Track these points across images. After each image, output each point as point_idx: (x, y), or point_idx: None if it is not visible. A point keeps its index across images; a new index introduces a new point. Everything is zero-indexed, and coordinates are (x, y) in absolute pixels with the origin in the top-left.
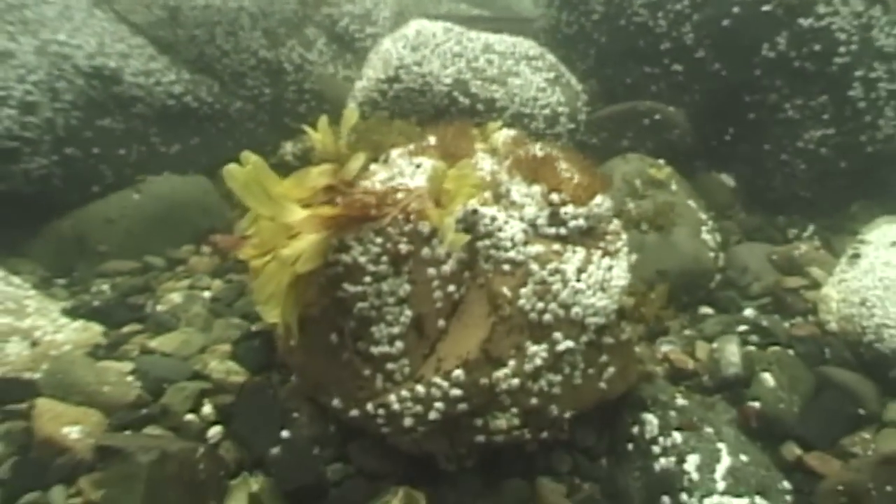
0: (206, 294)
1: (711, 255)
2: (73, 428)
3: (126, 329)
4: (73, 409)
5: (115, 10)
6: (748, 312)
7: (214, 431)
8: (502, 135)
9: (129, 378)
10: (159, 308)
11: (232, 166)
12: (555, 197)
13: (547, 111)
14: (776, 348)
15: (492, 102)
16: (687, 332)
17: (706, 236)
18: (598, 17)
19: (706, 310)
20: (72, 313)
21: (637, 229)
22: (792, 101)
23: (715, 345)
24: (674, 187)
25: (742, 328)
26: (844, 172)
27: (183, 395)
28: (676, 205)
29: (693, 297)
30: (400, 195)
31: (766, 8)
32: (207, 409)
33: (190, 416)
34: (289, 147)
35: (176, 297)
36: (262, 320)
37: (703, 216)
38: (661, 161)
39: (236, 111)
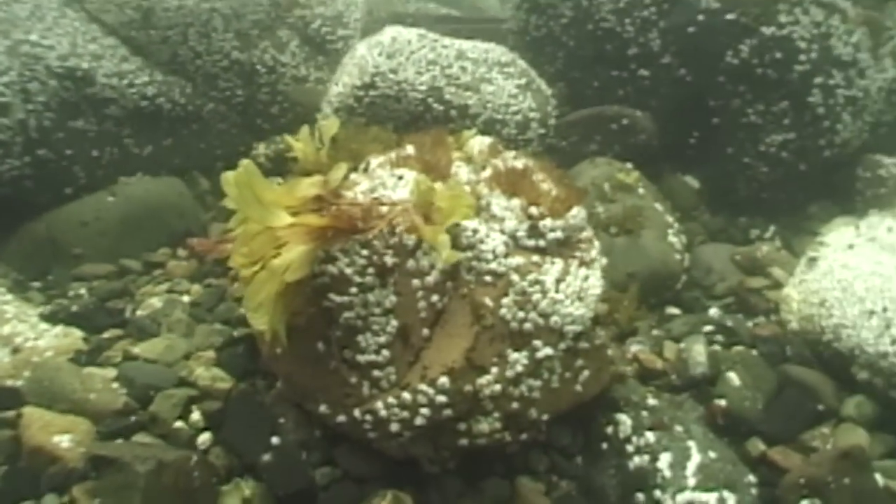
0: (186, 299)
1: (678, 257)
2: (63, 437)
3: (107, 335)
4: (61, 417)
5: (87, 9)
6: (713, 312)
7: (204, 438)
8: (477, 142)
9: (115, 385)
10: (139, 313)
11: (229, 173)
12: (534, 210)
13: (518, 117)
14: (740, 348)
15: (465, 109)
16: (655, 332)
17: (673, 239)
18: (567, 21)
19: (673, 310)
20: (50, 318)
21: (606, 233)
22: (754, 106)
23: (682, 345)
24: (641, 191)
25: (707, 328)
26: (804, 175)
27: (171, 402)
28: (644, 208)
29: (660, 298)
30: (384, 209)
31: (729, 16)
32: (196, 415)
33: (179, 424)
34: (261, 149)
35: (156, 302)
36: (244, 325)
37: (670, 219)
38: (629, 165)
39: (209, 112)
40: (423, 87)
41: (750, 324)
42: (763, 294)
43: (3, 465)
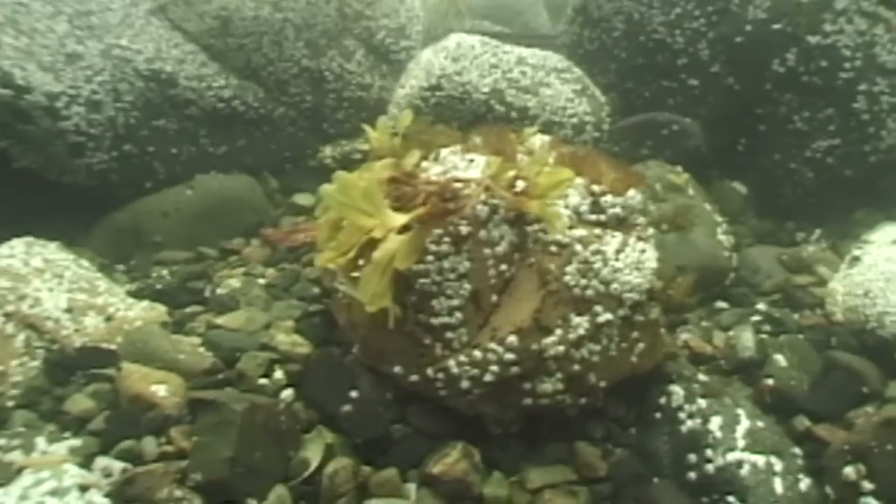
0: (262, 280)
1: (726, 254)
2: (159, 387)
3: (189, 310)
4: (157, 372)
5: (171, 18)
6: (760, 306)
7: (286, 394)
8: (538, 139)
9: (201, 349)
10: (219, 291)
11: (327, 186)
12: (595, 188)
13: (575, 120)
14: (787, 336)
15: (525, 110)
16: (704, 323)
17: (721, 237)
18: (619, 34)
19: (721, 304)
20: (136, 295)
21: (658, 230)
22: (800, 113)
23: (731, 332)
24: (691, 192)
25: (755, 318)
26: (849, 180)
27: (255, 362)
28: (694, 207)
29: (709, 292)
30: (459, 185)
31: (776, 26)
32: (279, 374)
33: (263, 381)
34: (328, 151)
35: (234, 282)
36: (319, 303)
37: (719, 218)
38: (679, 168)
39: (279, 116)
40: (486, 89)
41: (796, 316)
42: (809, 290)
43: (105, 410)
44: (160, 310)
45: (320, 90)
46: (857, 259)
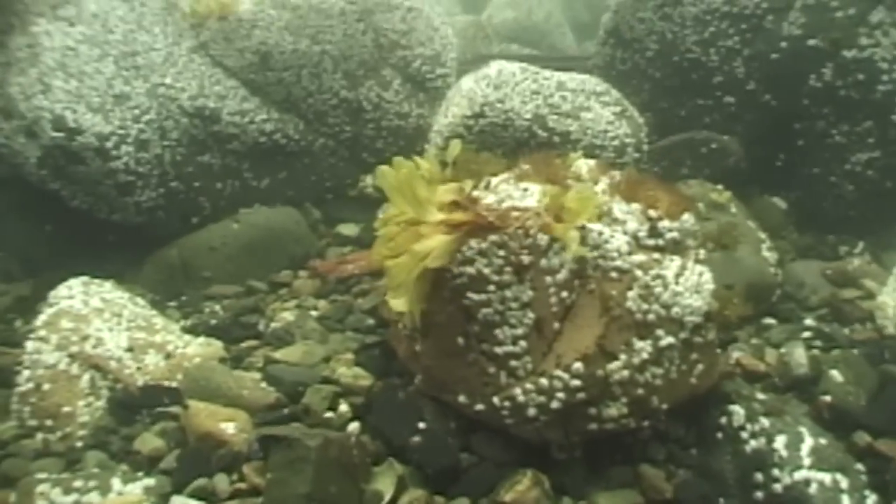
0: (315, 313)
1: (772, 270)
2: (228, 424)
3: (245, 344)
4: (223, 409)
5: (211, 55)
6: (809, 322)
7: (353, 427)
8: (584, 163)
9: (263, 384)
10: (273, 325)
11: (385, 168)
12: (652, 213)
13: (616, 142)
14: (839, 351)
15: (567, 135)
16: (754, 340)
17: (767, 253)
18: (652, 55)
19: (769, 321)
20: (191, 331)
21: (703, 248)
22: (838, 127)
23: (783, 349)
24: (734, 210)
25: (806, 335)
26: (891, 192)
27: (320, 395)
28: (738, 225)
29: (757, 309)
30: (517, 213)
31: (811, 42)
32: (344, 407)
33: (329, 414)
34: (368, 180)
35: (287, 316)
36: (375, 334)
37: (763, 235)
38: (720, 186)
39: (319, 147)
40: (528, 116)
41: (846, 331)
42: (856, 304)
43: (174, 449)
44: (217, 345)
45: (359, 120)
46: None
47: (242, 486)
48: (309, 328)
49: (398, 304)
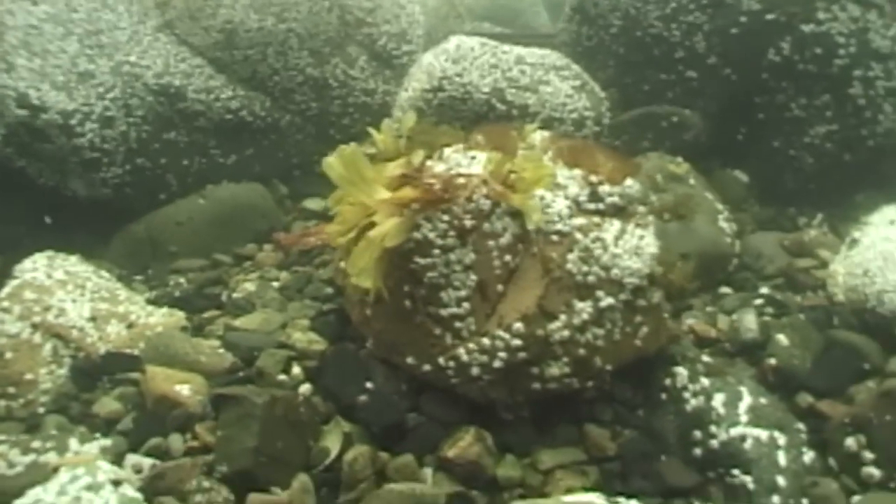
0: (276, 284)
1: (728, 240)
2: (183, 386)
3: (207, 314)
4: (180, 373)
5: (177, 33)
6: (764, 290)
7: (305, 388)
8: (539, 135)
9: (221, 350)
10: (235, 295)
11: (330, 158)
12: (593, 178)
13: (575, 115)
14: (789, 317)
15: (525, 108)
16: (709, 308)
17: (723, 224)
18: (617, 31)
19: (725, 289)
20: (155, 302)
21: (660, 219)
22: (797, 100)
23: (734, 316)
24: (692, 181)
25: (758, 302)
26: (849, 165)
27: (274, 359)
28: (695, 196)
29: (713, 278)
30: (462, 179)
31: (770, 16)
32: (296, 370)
33: (282, 377)
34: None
35: (249, 286)
36: (332, 302)
37: (720, 206)
38: (680, 158)
39: (286, 124)
40: (487, 89)
41: (798, 298)
42: (811, 273)
43: (132, 411)
44: (179, 315)
45: (325, 97)
46: (856, 240)
47: (195, 444)
48: (269, 297)
49: (364, 284)
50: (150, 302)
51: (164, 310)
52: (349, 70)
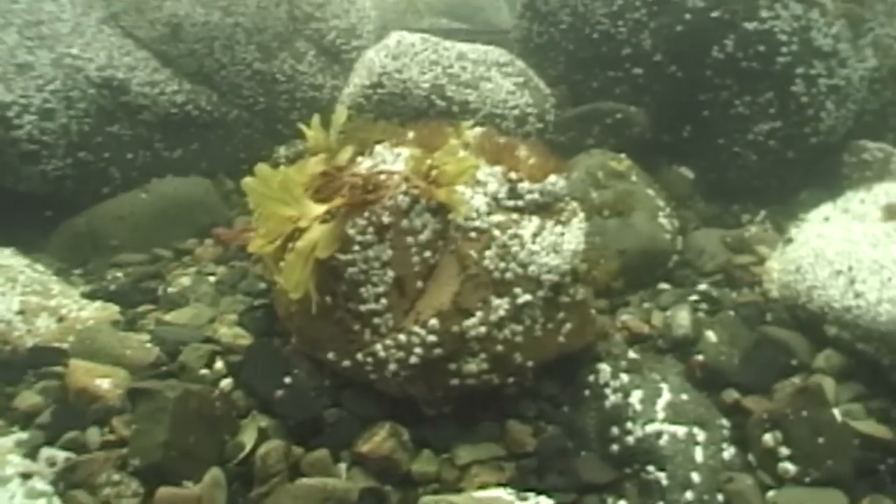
0: (212, 278)
1: (668, 237)
2: (104, 380)
3: (140, 308)
4: (102, 367)
5: (122, 26)
6: (702, 287)
7: (226, 383)
8: (474, 131)
9: (148, 345)
10: (170, 290)
11: (250, 179)
12: (513, 175)
13: (516, 112)
14: (721, 313)
15: (466, 104)
16: (645, 304)
17: (663, 220)
18: (566, 27)
19: (664, 286)
20: (90, 296)
21: (599, 216)
22: (741, 97)
23: (668, 312)
24: (633, 178)
25: (693, 298)
26: (792, 162)
27: (197, 354)
28: (635, 193)
29: (652, 275)
30: (382, 177)
31: (714, 14)
32: (219, 365)
33: (204, 371)
34: (282, 151)
35: (185, 281)
36: (264, 297)
37: (661, 203)
38: (623, 155)
39: (233, 119)
40: (427, 85)
41: (734, 294)
42: (749, 269)
43: (53, 404)
44: (112, 309)
45: (273, 92)
46: (791, 238)
47: (112, 437)
48: (202, 292)
49: (299, 295)
50: (85, 296)
51: (98, 304)
52: (297, 65)
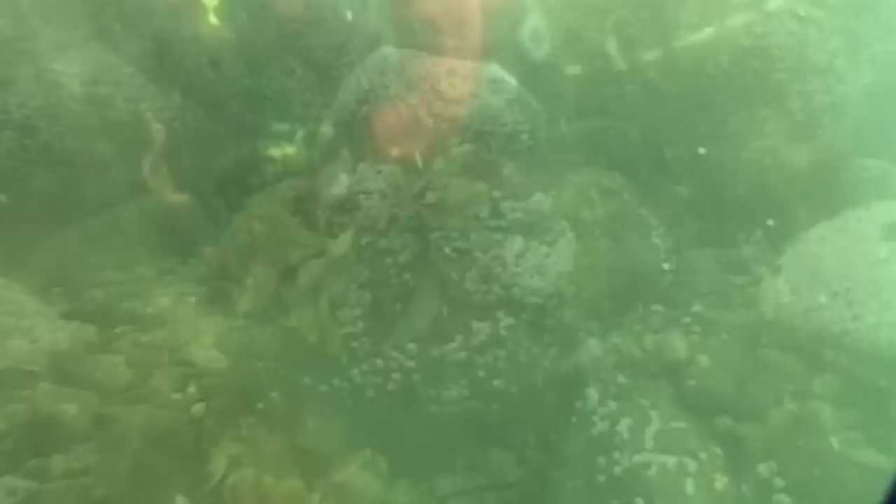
0: (193, 299)
1: (661, 256)
2: (71, 405)
3: (118, 329)
4: (71, 390)
5: (108, 42)
6: (695, 308)
7: (197, 408)
8: (463, 148)
9: (122, 368)
10: (149, 310)
11: None
12: (496, 193)
13: (507, 129)
14: (715, 337)
15: (455, 121)
16: (637, 326)
17: (656, 240)
18: None
19: (656, 307)
20: (68, 316)
21: (591, 235)
22: (737, 115)
23: (661, 335)
24: (626, 197)
25: (686, 321)
26: (788, 180)
27: (171, 377)
28: (627, 212)
29: (644, 296)
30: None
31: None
32: (192, 389)
33: (176, 396)
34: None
35: (164, 301)
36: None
37: (655, 222)
38: (616, 174)
39: (220, 135)
40: (414, 101)
41: (729, 316)
42: (744, 290)
43: (18, 430)
44: (89, 330)
45: (261, 108)
46: (789, 258)
47: (77, 465)
48: (181, 313)
49: None
50: (62, 316)
51: (75, 324)
52: (285, 81)
